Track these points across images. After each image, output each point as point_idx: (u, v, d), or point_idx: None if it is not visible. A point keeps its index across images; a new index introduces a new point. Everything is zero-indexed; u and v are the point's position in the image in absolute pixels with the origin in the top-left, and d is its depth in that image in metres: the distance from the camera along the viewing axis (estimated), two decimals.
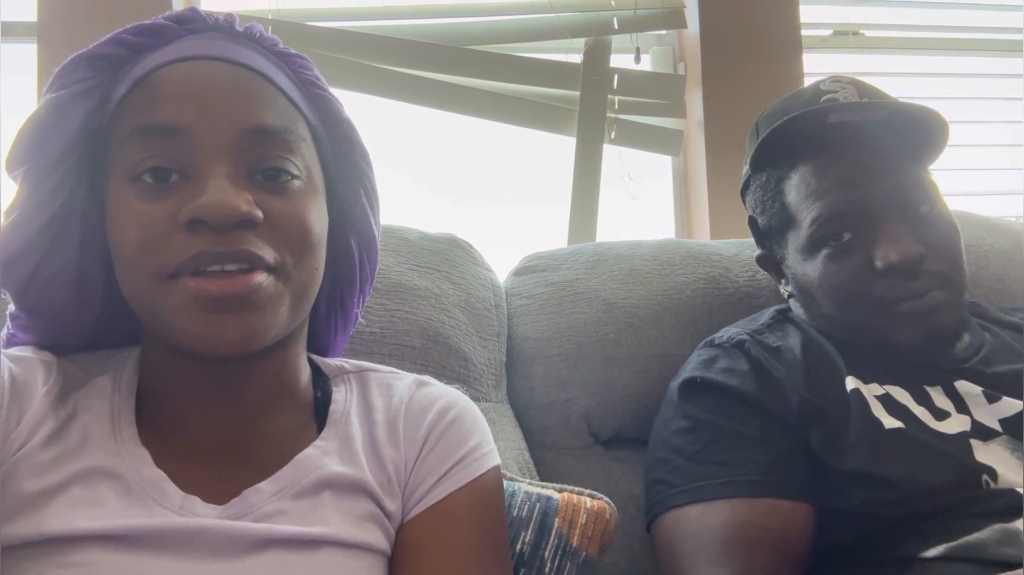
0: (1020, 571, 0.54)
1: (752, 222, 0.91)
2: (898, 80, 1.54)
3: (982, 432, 0.72)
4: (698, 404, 0.79)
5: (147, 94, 0.53)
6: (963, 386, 0.75)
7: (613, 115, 1.45)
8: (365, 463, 0.58)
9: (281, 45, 0.59)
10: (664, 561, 0.74)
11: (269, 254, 0.51)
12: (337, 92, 0.63)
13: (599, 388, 0.97)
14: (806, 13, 1.51)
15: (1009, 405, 0.73)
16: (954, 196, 1.47)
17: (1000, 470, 0.68)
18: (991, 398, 0.74)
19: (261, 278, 0.51)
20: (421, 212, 1.46)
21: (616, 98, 1.45)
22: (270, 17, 1.37)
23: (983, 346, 0.81)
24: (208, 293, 0.50)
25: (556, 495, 0.75)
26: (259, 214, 0.51)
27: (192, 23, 0.56)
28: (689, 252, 1.08)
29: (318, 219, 0.56)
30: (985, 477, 0.68)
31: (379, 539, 0.56)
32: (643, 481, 0.82)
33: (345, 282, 0.66)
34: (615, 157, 1.48)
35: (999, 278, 1.02)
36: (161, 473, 0.52)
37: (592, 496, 0.76)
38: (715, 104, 1.45)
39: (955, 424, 0.72)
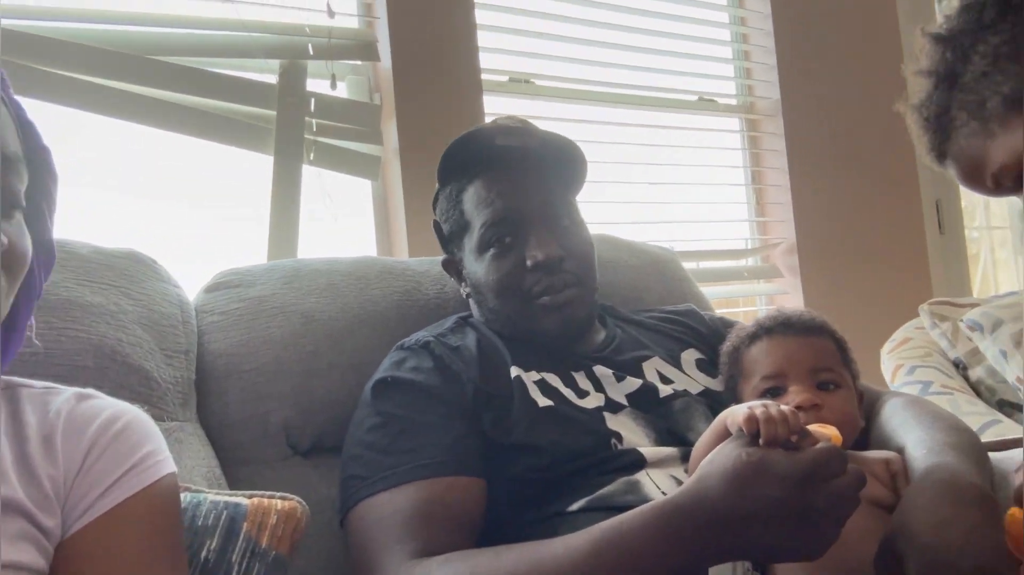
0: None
1: (437, 228, 1.03)
2: (561, 124, 1.80)
3: (612, 406, 0.89)
4: (389, 401, 0.86)
5: None
6: (599, 370, 0.92)
7: (311, 137, 1.48)
8: (16, 481, 0.54)
9: None
10: (355, 550, 0.78)
11: None
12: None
13: (298, 399, 0.99)
14: (486, 60, 1.70)
15: (631, 383, 0.92)
16: (608, 224, 1.76)
17: (624, 434, 0.85)
18: (619, 378, 0.92)
19: None
20: (109, 229, 1.35)
21: (314, 121, 1.48)
22: None
23: (615, 339, 1.00)
24: None
25: (245, 501, 0.76)
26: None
27: None
28: (385, 268, 1.15)
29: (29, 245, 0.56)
30: (613, 440, 0.84)
31: (34, 558, 0.53)
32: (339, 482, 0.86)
33: (22, 302, 0.62)
34: (316, 178, 1.51)
35: (632, 288, 1.25)
36: None
37: (283, 498, 0.78)
38: (409, 134, 1.56)
39: (592, 401, 0.89)
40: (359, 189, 1.61)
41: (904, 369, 1.53)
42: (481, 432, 0.84)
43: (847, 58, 2.22)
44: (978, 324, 1.48)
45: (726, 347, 0.95)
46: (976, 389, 1.52)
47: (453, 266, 1.03)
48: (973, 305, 1.57)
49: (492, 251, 0.94)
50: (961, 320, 1.52)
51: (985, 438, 1.02)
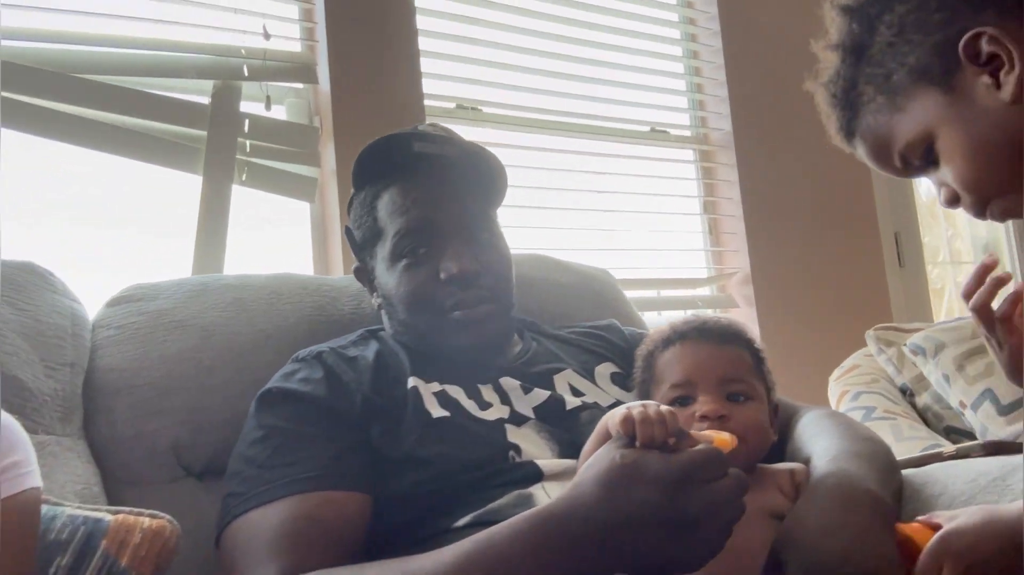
0: None
1: (349, 234, 0.99)
2: (512, 152, 1.79)
3: (517, 418, 0.85)
4: (273, 413, 0.81)
5: None
6: (506, 382, 0.88)
7: (244, 158, 1.46)
8: None
9: None
10: (223, 571, 0.73)
11: None
12: None
13: (191, 416, 0.94)
14: (433, 86, 1.70)
15: (539, 395, 0.88)
16: (560, 251, 1.73)
17: (524, 446, 0.81)
18: (526, 390, 0.88)
19: None
20: (30, 245, 1.31)
21: (248, 142, 1.46)
22: None
23: (529, 351, 0.96)
24: None
25: (108, 517, 0.71)
26: None
27: None
28: (300, 284, 1.11)
29: None
30: (512, 452, 0.80)
31: None
32: None
33: None
34: (254, 199, 1.49)
35: (562, 306, 1.22)
36: None
37: (152, 516, 0.73)
38: (347, 157, 1.53)
39: (495, 412, 0.85)
40: (298, 211, 1.59)
41: (849, 395, 1.50)
42: (368, 445, 0.79)
43: (798, 89, 2.22)
44: (920, 348, 1.45)
45: (641, 350, 0.91)
46: (923, 416, 1.49)
47: (365, 275, 0.98)
48: (918, 330, 1.55)
49: (405, 261, 0.90)
50: (904, 345, 1.50)
51: None
